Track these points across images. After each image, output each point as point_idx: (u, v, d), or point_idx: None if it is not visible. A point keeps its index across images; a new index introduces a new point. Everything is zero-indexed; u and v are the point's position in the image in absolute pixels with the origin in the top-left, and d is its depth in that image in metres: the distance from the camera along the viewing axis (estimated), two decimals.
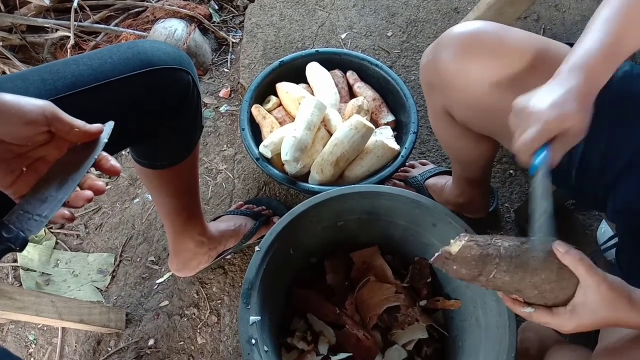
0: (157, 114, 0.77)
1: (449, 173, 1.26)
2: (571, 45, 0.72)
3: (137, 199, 1.40)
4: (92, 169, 0.58)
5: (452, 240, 0.66)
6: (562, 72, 0.64)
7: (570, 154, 0.80)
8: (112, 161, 0.59)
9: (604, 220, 1.21)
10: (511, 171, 1.38)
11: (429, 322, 1.01)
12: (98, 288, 1.27)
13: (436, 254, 0.67)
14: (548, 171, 0.61)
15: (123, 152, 1.48)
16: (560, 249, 0.60)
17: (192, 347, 1.18)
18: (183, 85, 0.77)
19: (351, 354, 0.96)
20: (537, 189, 0.61)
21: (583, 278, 0.59)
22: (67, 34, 1.56)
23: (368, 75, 1.41)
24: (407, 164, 1.34)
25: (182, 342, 1.18)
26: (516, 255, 0.62)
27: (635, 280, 0.62)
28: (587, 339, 0.79)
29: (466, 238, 0.66)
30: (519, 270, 0.62)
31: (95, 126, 0.57)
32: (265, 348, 0.86)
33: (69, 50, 1.55)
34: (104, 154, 0.58)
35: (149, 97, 0.74)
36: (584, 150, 0.79)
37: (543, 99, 0.61)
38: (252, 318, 0.85)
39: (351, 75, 1.41)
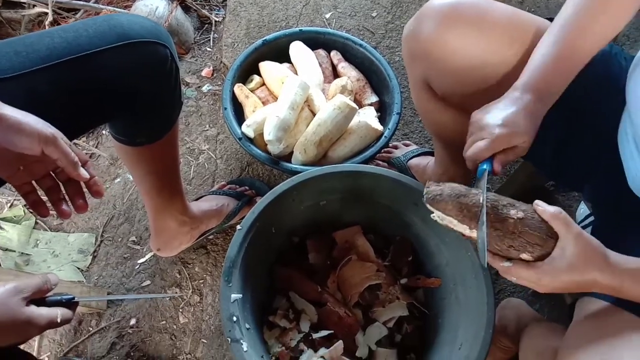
0: (134, 89, 0.76)
1: (431, 154, 1.27)
2: (551, 20, 0.72)
3: (118, 179, 1.38)
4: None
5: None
6: (516, 89, 0.70)
7: (548, 133, 0.81)
8: (101, 186, 0.66)
9: (582, 200, 1.23)
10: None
11: (409, 300, 1.02)
12: (79, 268, 1.26)
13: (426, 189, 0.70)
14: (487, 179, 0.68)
15: (103, 132, 1.46)
16: (540, 206, 0.63)
17: (174, 327, 1.18)
18: (161, 59, 0.76)
19: (333, 331, 0.97)
20: (482, 205, 0.66)
21: (562, 232, 0.61)
22: (45, 10, 1.52)
23: (352, 56, 1.40)
24: (390, 144, 1.34)
25: (164, 322, 1.18)
26: (498, 211, 0.65)
27: None
28: (563, 317, 0.81)
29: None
30: (501, 225, 0.63)
31: (83, 173, 0.62)
32: (247, 326, 0.86)
33: (47, 27, 1.51)
34: (96, 179, 0.65)
35: (125, 71, 0.73)
36: (561, 130, 0.80)
37: (496, 116, 0.68)
38: (234, 296, 0.85)
39: (335, 55, 1.40)
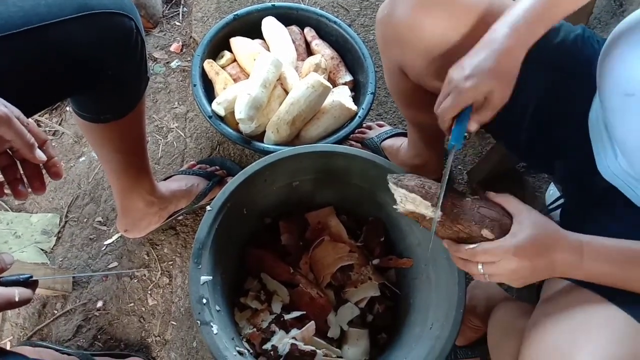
0: (96, 62, 0.72)
1: (405, 135, 1.26)
2: None
3: (83, 158, 1.33)
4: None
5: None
6: (492, 32, 0.66)
7: (521, 115, 0.81)
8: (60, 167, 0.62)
9: (552, 182, 1.25)
10: (465, 134, 1.39)
11: (381, 281, 1.02)
12: (43, 250, 1.21)
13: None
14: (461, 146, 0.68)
15: (67, 108, 1.40)
16: (492, 193, 0.68)
17: (143, 309, 1.15)
18: (125, 31, 0.72)
19: (304, 312, 0.97)
20: (446, 168, 0.69)
21: (515, 209, 0.65)
22: None
23: (326, 33, 1.37)
24: (364, 125, 1.33)
25: (132, 304, 1.15)
26: (457, 190, 0.70)
27: None
28: (531, 296, 0.82)
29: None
30: (460, 202, 0.68)
31: (39, 155, 0.59)
32: (217, 307, 0.85)
33: None
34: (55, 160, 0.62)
35: (87, 43, 0.69)
36: (534, 112, 0.80)
37: (464, 67, 0.65)
38: (203, 278, 0.83)
39: (309, 32, 1.37)
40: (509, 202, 0.66)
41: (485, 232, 0.65)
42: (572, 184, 0.85)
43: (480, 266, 0.65)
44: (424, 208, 0.68)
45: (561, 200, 0.88)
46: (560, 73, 0.78)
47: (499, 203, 0.67)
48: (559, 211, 0.86)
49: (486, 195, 0.69)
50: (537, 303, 0.75)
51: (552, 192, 1.23)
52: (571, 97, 0.78)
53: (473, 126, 0.67)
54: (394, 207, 0.71)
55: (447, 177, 0.68)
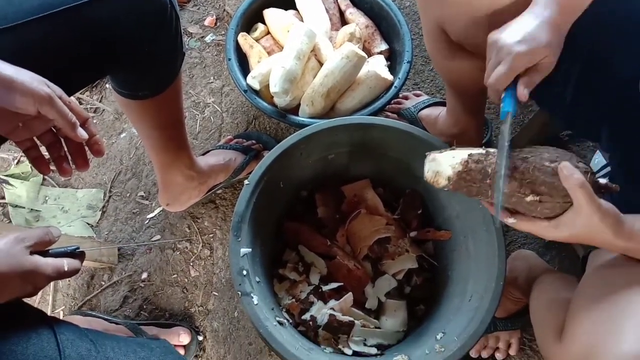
0: (132, 39, 0.73)
1: (443, 104, 1.23)
2: None
3: (124, 134, 1.37)
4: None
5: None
6: (537, 4, 0.64)
7: (567, 78, 0.77)
8: (102, 145, 0.65)
9: (598, 151, 1.20)
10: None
11: (418, 253, 1.02)
12: (89, 224, 1.26)
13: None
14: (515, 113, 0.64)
15: (107, 85, 1.43)
16: (565, 171, 0.59)
17: (186, 280, 1.19)
18: (159, 6, 0.72)
19: (342, 284, 0.98)
20: (501, 139, 0.64)
21: (579, 204, 0.58)
22: None
23: (360, 1, 1.34)
24: (400, 95, 1.30)
25: (175, 275, 1.19)
26: (514, 167, 0.62)
27: (621, 209, 0.61)
28: (574, 269, 0.80)
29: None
30: (517, 182, 0.62)
31: (81, 133, 0.60)
32: (257, 279, 0.86)
33: None
34: (97, 138, 0.64)
35: (123, 21, 0.70)
36: (579, 76, 0.77)
37: (514, 33, 0.63)
38: (243, 250, 0.85)
39: (343, 1, 1.34)
40: (576, 193, 0.57)
41: (530, 198, 0.62)
42: (621, 151, 0.81)
43: (511, 219, 0.64)
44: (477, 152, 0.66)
45: (608, 169, 0.84)
46: (607, 31, 0.73)
47: (567, 188, 0.59)
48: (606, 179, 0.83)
49: (559, 169, 0.59)
50: (583, 276, 0.73)
51: (598, 161, 1.18)
52: (620, 57, 0.74)
53: (523, 92, 0.63)
54: (434, 161, 0.68)
55: (505, 147, 0.63)
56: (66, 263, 0.64)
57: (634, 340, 0.55)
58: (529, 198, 0.61)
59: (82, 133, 0.60)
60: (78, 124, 0.60)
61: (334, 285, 0.98)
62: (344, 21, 1.34)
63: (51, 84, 0.57)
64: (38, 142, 0.64)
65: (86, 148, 0.65)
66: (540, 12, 0.63)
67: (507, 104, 0.64)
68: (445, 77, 1.08)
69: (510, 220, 0.64)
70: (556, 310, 0.72)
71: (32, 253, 0.61)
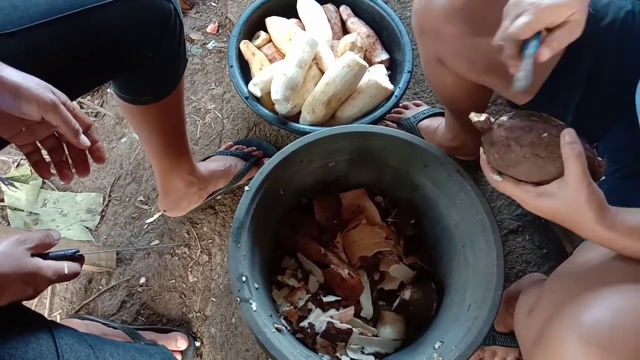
0: (136, 45, 0.73)
1: (442, 115, 1.24)
2: None
3: (124, 139, 1.37)
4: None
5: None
6: None
7: (568, 93, 0.78)
8: (103, 152, 0.65)
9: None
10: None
11: (413, 260, 1.02)
12: (87, 227, 1.26)
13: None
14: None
15: (108, 90, 1.44)
16: (567, 137, 0.56)
17: (184, 285, 1.19)
18: (164, 13, 0.73)
19: (340, 296, 0.98)
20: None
21: (569, 175, 0.56)
22: None
23: (362, 11, 1.35)
24: (400, 104, 1.31)
25: (173, 280, 1.19)
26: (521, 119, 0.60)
27: None
28: None
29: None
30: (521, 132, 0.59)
31: (84, 140, 0.61)
32: (256, 285, 0.86)
33: None
34: (99, 145, 0.64)
35: (127, 27, 0.70)
36: (584, 93, 0.78)
37: None
38: (242, 256, 0.85)
39: (344, 10, 1.35)
40: (570, 163, 0.55)
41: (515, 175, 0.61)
42: (618, 155, 0.82)
43: (497, 177, 0.62)
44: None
45: (602, 177, 0.85)
46: (610, 45, 0.74)
47: (563, 154, 0.57)
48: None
49: (563, 133, 0.57)
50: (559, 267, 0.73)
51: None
52: (620, 68, 0.75)
53: (546, 54, 0.57)
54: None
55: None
56: (66, 266, 0.64)
57: (597, 307, 0.54)
58: (526, 152, 0.59)
59: (85, 140, 0.61)
60: (81, 131, 0.60)
61: (332, 298, 0.98)
62: (345, 30, 1.35)
63: (56, 90, 0.58)
64: (40, 146, 0.64)
65: (88, 154, 0.65)
66: None
67: (524, 75, 0.57)
68: (442, 100, 1.09)
69: (496, 177, 0.62)
70: (533, 291, 0.72)
71: (32, 255, 0.61)
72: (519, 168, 0.60)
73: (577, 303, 0.56)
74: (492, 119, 0.63)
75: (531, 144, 0.58)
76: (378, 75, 1.23)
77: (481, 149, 0.66)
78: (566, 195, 0.57)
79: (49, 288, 1.18)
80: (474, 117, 0.64)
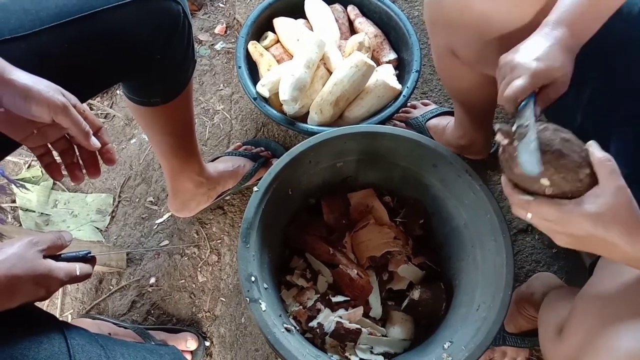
0: (146, 47, 0.74)
1: (451, 114, 1.23)
2: None
3: (134, 140, 1.38)
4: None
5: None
6: (547, 25, 0.64)
7: (578, 96, 0.78)
8: (113, 154, 0.66)
9: None
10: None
11: (421, 261, 1.02)
12: (98, 228, 1.27)
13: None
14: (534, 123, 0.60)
15: (118, 92, 1.45)
16: (593, 149, 0.56)
17: (194, 285, 1.20)
18: (173, 15, 0.74)
19: (349, 296, 0.98)
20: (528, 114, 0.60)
21: (604, 180, 0.55)
22: None
23: (370, 10, 1.35)
24: (408, 104, 1.31)
25: (183, 280, 1.20)
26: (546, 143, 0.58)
27: None
28: (582, 280, 0.79)
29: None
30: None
31: (94, 142, 0.62)
32: (265, 285, 0.87)
33: None
34: (109, 147, 0.65)
35: (136, 29, 0.71)
36: (592, 93, 0.77)
37: (529, 53, 0.62)
38: (252, 256, 0.85)
39: (352, 10, 1.35)
40: (603, 168, 0.55)
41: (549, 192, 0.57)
42: (628, 162, 0.81)
43: (527, 196, 0.59)
44: None
45: None
46: (619, 49, 0.73)
47: (593, 164, 0.56)
48: None
49: (587, 146, 0.57)
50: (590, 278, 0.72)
51: None
52: (630, 74, 0.74)
53: (541, 105, 0.62)
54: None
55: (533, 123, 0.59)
56: (78, 267, 0.64)
57: (631, 337, 0.54)
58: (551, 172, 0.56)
59: (95, 142, 0.61)
60: (91, 133, 0.61)
61: (341, 298, 0.98)
62: (353, 30, 1.35)
63: (66, 93, 0.58)
64: (51, 148, 0.65)
65: (98, 156, 0.66)
66: (550, 33, 0.63)
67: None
68: (452, 94, 1.09)
69: (526, 198, 0.58)
70: (560, 310, 0.71)
71: (44, 257, 0.62)
72: (556, 187, 0.57)
73: (612, 332, 0.56)
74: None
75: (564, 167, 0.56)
76: (386, 75, 1.22)
77: (502, 178, 0.64)
78: (606, 198, 0.54)
79: (60, 288, 1.19)
80: (498, 126, 0.63)
